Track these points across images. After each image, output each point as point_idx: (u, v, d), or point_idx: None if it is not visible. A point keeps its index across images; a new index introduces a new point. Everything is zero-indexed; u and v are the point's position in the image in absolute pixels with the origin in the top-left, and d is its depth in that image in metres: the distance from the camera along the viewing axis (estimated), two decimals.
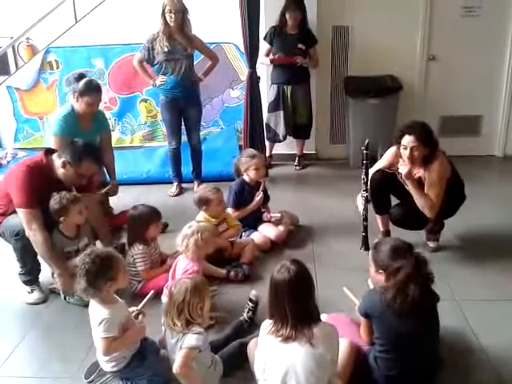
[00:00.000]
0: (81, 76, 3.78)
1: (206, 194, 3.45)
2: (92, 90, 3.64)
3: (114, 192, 3.93)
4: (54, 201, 2.96)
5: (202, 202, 3.47)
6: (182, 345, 2.21)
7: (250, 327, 2.71)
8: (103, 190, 3.83)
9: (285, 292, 2.02)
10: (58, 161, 3.02)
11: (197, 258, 2.91)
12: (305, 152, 5.41)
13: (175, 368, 2.19)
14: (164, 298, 2.81)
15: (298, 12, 4.69)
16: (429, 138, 3.16)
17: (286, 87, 4.90)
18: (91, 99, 3.63)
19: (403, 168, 3.19)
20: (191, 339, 2.20)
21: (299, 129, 5.11)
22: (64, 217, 2.98)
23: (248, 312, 2.77)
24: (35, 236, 2.89)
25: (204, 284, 2.34)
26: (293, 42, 4.77)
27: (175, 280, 2.36)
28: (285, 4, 4.70)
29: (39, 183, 2.95)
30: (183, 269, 2.87)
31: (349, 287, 2.68)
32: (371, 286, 2.47)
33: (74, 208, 2.99)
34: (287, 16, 4.70)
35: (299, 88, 4.92)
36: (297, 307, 2.01)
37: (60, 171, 3.03)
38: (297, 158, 5.31)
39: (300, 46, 4.78)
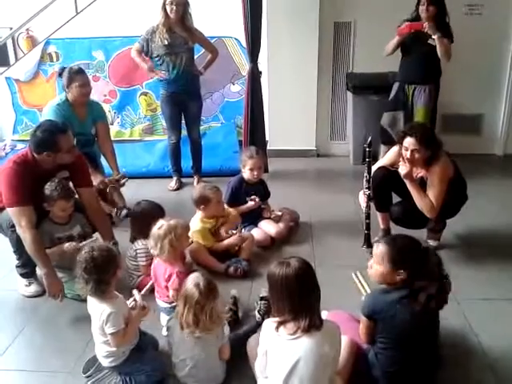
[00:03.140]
0: (62, 70, 3.86)
1: (206, 193, 3.39)
2: (76, 73, 3.74)
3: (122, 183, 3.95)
4: (49, 186, 2.94)
5: (202, 201, 3.40)
6: (223, 340, 2.31)
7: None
8: (122, 180, 3.92)
9: (291, 286, 1.99)
10: (38, 156, 2.96)
11: (173, 259, 2.77)
12: (304, 148, 5.40)
13: (227, 357, 2.35)
14: (160, 302, 2.77)
15: (432, 5, 4.21)
16: (430, 141, 3.12)
17: (408, 86, 4.49)
18: (80, 81, 3.73)
19: (403, 168, 3.17)
20: (227, 330, 2.33)
21: None
22: (48, 205, 2.97)
23: (259, 311, 2.76)
24: (24, 233, 2.85)
25: (213, 281, 2.34)
26: (424, 37, 4.26)
27: (189, 286, 2.27)
28: None
29: (28, 178, 2.90)
30: (165, 275, 2.72)
31: (349, 284, 2.66)
32: (359, 277, 2.47)
33: (60, 203, 2.96)
34: (420, 10, 4.28)
35: (422, 87, 4.44)
36: (303, 302, 1.99)
37: (47, 161, 2.97)
38: None
39: (431, 41, 4.25)
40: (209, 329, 2.22)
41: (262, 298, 2.80)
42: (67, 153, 2.99)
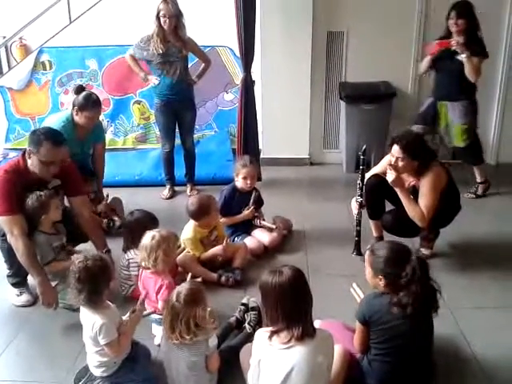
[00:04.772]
0: (80, 89, 3.82)
1: (208, 202, 3.38)
2: (91, 105, 3.71)
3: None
4: (32, 200, 2.90)
5: (204, 211, 3.36)
6: (208, 350, 2.24)
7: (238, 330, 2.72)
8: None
9: (285, 294, 1.99)
10: (26, 155, 2.94)
11: (164, 270, 2.74)
12: (297, 157, 5.41)
13: (214, 369, 2.29)
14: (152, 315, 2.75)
15: (461, 19, 4.07)
16: (416, 151, 3.12)
17: (440, 103, 4.36)
18: (90, 114, 3.71)
19: (389, 176, 3.17)
20: (214, 341, 2.26)
21: (459, 152, 4.49)
22: (45, 214, 2.93)
23: (240, 312, 2.78)
24: (17, 242, 2.83)
25: (202, 290, 2.30)
26: (454, 52, 4.12)
27: (173, 293, 2.27)
28: (448, 12, 4.17)
29: (19, 187, 2.89)
30: (155, 287, 2.69)
31: (342, 293, 2.65)
32: (356, 290, 2.48)
33: (53, 203, 2.94)
34: (449, 24, 4.14)
35: (455, 104, 4.27)
36: (296, 310, 1.99)
37: (29, 164, 2.93)
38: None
39: (459, 57, 4.09)
40: (183, 337, 2.17)
41: (252, 309, 2.79)
42: (44, 164, 2.91)
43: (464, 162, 4.58)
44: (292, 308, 1.99)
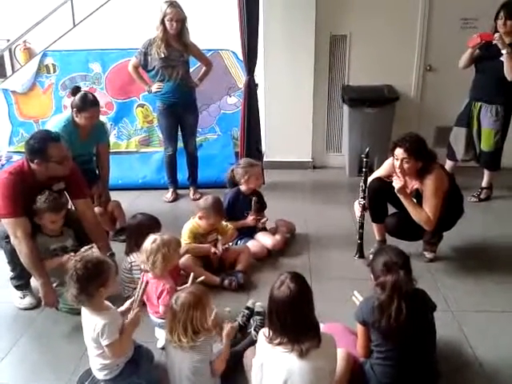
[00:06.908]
0: (76, 89, 3.81)
1: (214, 208, 3.38)
2: (88, 105, 3.70)
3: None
4: (40, 199, 2.93)
5: (206, 212, 3.36)
6: (212, 357, 2.22)
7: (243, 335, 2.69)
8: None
9: (285, 309, 1.98)
10: (32, 165, 2.95)
11: (164, 275, 2.73)
12: (300, 160, 5.41)
13: (218, 372, 2.26)
14: (153, 317, 2.75)
15: (510, 21, 4.01)
16: (420, 152, 3.14)
17: (475, 104, 4.35)
18: (89, 113, 3.70)
19: (397, 183, 3.18)
20: (215, 346, 2.25)
21: (481, 156, 4.44)
22: (37, 218, 2.95)
23: (242, 317, 2.77)
24: (20, 244, 2.84)
25: (204, 294, 2.28)
26: (497, 53, 4.04)
27: (174, 296, 2.26)
28: (496, 12, 4.11)
29: (23, 189, 2.90)
30: (156, 291, 2.68)
31: (345, 296, 2.64)
32: (358, 297, 2.48)
33: (49, 216, 2.95)
34: (498, 25, 4.08)
35: (489, 107, 4.26)
36: (297, 322, 1.98)
37: (40, 171, 2.95)
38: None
39: (502, 58, 4.02)
40: (180, 340, 2.16)
41: (257, 314, 2.78)
42: (59, 164, 2.96)
43: (481, 166, 4.54)
44: (288, 323, 1.97)
